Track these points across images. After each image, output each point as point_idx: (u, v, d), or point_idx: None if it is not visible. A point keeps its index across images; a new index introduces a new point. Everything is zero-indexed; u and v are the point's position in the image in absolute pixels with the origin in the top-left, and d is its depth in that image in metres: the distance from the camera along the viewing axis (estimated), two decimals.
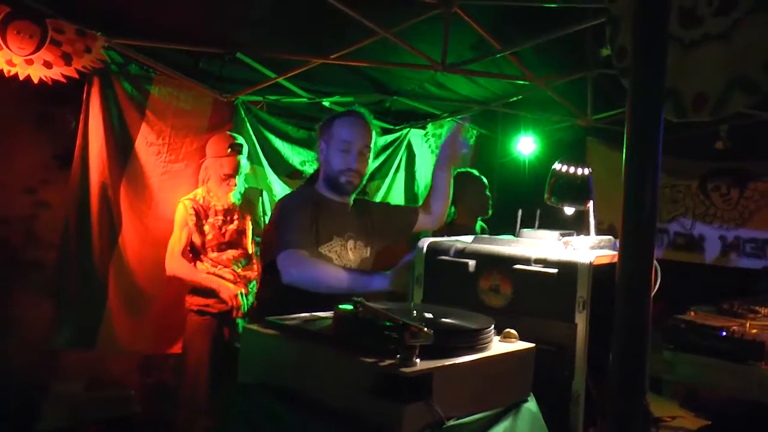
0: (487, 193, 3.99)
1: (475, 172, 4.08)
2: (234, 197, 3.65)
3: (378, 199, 5.01)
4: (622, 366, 1.35)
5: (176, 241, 3.52)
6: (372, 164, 4.89)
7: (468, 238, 2.11)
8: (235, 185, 3.63)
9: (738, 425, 2.74)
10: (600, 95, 4.27)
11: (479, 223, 4.10)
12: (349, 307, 1.57)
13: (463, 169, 4.10)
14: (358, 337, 1.44)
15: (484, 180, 4.03)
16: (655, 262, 2.01)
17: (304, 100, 4.36)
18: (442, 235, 3.79)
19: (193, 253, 3.56)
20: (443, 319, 1.58)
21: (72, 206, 3.39)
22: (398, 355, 1.34)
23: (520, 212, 2.14)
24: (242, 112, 3.96)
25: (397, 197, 5.15)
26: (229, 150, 3.62)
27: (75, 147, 3.39)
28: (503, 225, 4.24)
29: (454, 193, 3.71)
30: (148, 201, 3.63)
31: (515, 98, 4.70)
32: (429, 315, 1.58)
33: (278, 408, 1.46)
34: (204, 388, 3.51)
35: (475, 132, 5.60)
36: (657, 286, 2.04)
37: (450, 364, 1.39)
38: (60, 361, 3.77)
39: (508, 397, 1.59)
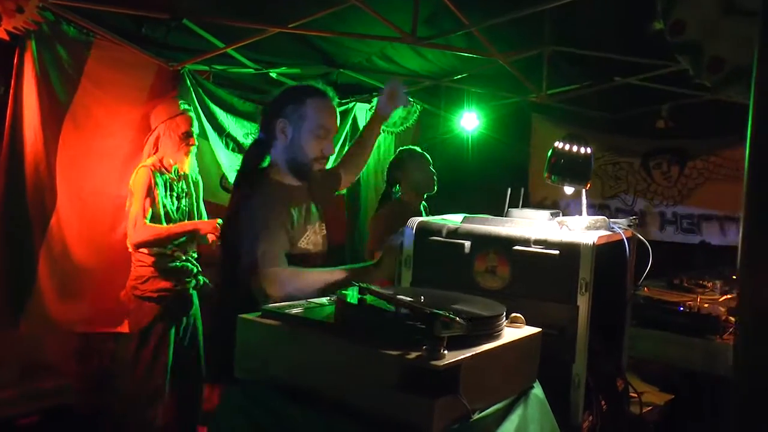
0: (432, 169, 3.90)
1: (419, 149, 3.97)
2: (191, 161, 3.43)
3: None
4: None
5: (140, 210, 3.25)
6: None
7: (457, 218, 2.04)
8: (194, 143, 3.42)
9: (700, 397, 2.83)
10: (553, 72, 4.29)
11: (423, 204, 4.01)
12: (354, 294, 1.48)
13: (406, 147, 4.06)
14: (376, 327, 1.34)
15: (428, 157, 3.95)
16: (646, 242, 2.03)
17: (251, 70, 4.18)
18: (389, 214, 3.86)
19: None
20: (455, 306, 1.51)
21: (2, 179, 3.10)
22: (424, 347, 1.26)
23: (509, 191, 2.09)
24: (188, 82, 3.73)
25: None
26: (182, 108, 3.41)
27: (5, 116, 3.09)
28: (446, 201, 4.25)
29: (398, 172, 3.90)
30: (86, 174, 3.36)
31: (461, 76, 4.68)
32: (435, 300, 1.50)
33: (287, 405, 1.36)
34: (154, 376, 3.33)
35: (418, 107, 5.55)
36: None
37: (474, 354, 1.32)
38: None
39: (520, 385, 1.54)
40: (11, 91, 3.08)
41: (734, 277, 3.82)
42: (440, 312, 1.24)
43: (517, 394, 1.52)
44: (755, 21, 1.19)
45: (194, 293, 3.46)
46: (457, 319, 1.23)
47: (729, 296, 3.28)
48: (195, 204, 3.53)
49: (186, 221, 3.40)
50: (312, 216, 2.30)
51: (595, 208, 4.94)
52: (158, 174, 3.31)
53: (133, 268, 3.34)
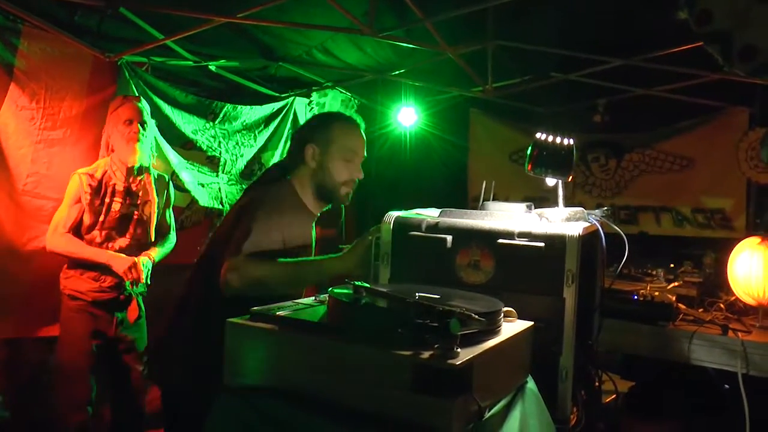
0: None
1: None
2: (141, 152, 3.20)
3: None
4: None
5: (63, 217, 3.09)
6: (263, 133, 4.71)
7: (432, 212, 1.99)
8: (138, 132, 3.18)
9: (659, 383, 2.90)
10: (497, 67, 4.32)
11: None
12: (347, 292, 1.41)
13: None
14: (382, 327, 1.28)
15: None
16: (622, 233, 2.05)
17: (190, 63, 4.00)
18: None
19: (76, 233, 3.14)
20: (451, 302, 1.46)
21: None
22: (436, 346, 1.20)
23: (484, 183, 2.06)
24: (126, 74, 3.52)
25: None
26: (123, 98, 3.24)
27: None
28: (385, 196, 4.23)
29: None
30: (19, 174, 3.12)
31: (401, 70, 4.66)
32: (435, 297, 1.46)
33: (289, 412, 1.28)
34: (83, 383, 3.15)
35: (355, 102, 5.50)
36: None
37: (483, 351, 1.28)
38: None
39: (517, 380, 1.52)
40: None
41: (672, 265, 3.97)
42: (455, 309, 1.19)
43: (515, 389, 1.49)
44: None
45: (123, 309, 3.28)
46: (474, 315, 1.19)
47: (676, 284, 3.40)
48: (158, 209, 3.34)
49: (103, 250, 3.15)
50: (309, 244, 2.31)
51: (536, 201, 5.01)
52: (92, 180, 3.12)
53: (59, 263, 3.17)
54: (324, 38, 4.05)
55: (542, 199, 5.27)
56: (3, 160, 3.08)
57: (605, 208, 2.05)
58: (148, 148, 3.27)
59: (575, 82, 4.51)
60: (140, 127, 3.20)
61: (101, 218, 3.13)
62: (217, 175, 4.37)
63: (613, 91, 4.70)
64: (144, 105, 3.31)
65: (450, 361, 1.17)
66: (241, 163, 4.57)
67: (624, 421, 2.56)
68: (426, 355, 1.19)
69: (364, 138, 2.34)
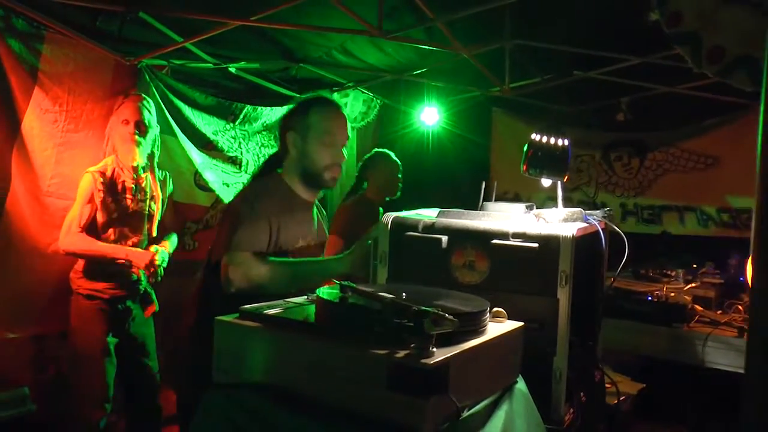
0: (399, 176, 4.18)
1: (392, 155, 4.23)
2: (139, 152, 3.24)
3: None
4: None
5: (76, 216, 3.14)
6: None
7: (432, 212, 2.00)
8: (134, 133, 3.21)
9: (670, 385, 2.87)
10: (515, 66, 4.30)
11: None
12: (334, 291, 1.43)
13: (381, 150, 4.30)
14: (362, 326, 1.30)
15: (398, 163, 4.22)
16: (622, 234, 2.03)
17: (210, 65, 4.07)
18: (352, 207, 3.92)
19: (91, 232, 3.21)
20: (437, 302, 1.47)
21: None
22: (412, 345, 1.22)
23: (483, 184, 2.07)
24: (147, 77, 3.60)
25: None
26: (124, 97, 3.28)
27: None
28: (407, 196, 4.26)
29: (368, 170, 4.18)
30: (44, 176, 3.22)
31: (422, 70, 4.67)
32: (416, 297, 1.47)
33: (270, 408, 1.31)
34: (100, 381, 3.22)
35: (378, 102, 5.52)
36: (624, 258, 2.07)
37: (461, 351, 1.29)
38: None
39: (505, 380, 1.52)
40: None
41: (695, 266, 3.91)
42: (429, 309, 1.20)
43: (502, 389, 1.50)
44: (756, 11, 1.19)
45: (137, 305, 3.35)
46: (447, 315, 1.20)
47: (693, 285, 3.35)
48: (162, 206, 3.42)
49: (121, 246, 3.21)
50: (309, 233, 2.32)
51: (555, 201, 4.98)
52: (104, 178, 3.18)
53: (77, 262, 3.23)
54: (343, 39, 4.08)
55: (565, 199, 5.26)
56: (28, 162, 3.18)
57: (607, 208, 2.03)
58: (148, 148, 3.29)
59: (597, 80, 4.46)
60: (136, 128, 3.22)
61: (114, 215, 3.19)
62: (240, 174, 4.43)
63: (636, 89, 4.64)
64: (147, 104, 3.33)
65: (423, 361, 1.18)
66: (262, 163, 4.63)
67: (633, 424, 2.54)
68: (401, 354, 1.21)
69: (346, 120, 2.32)
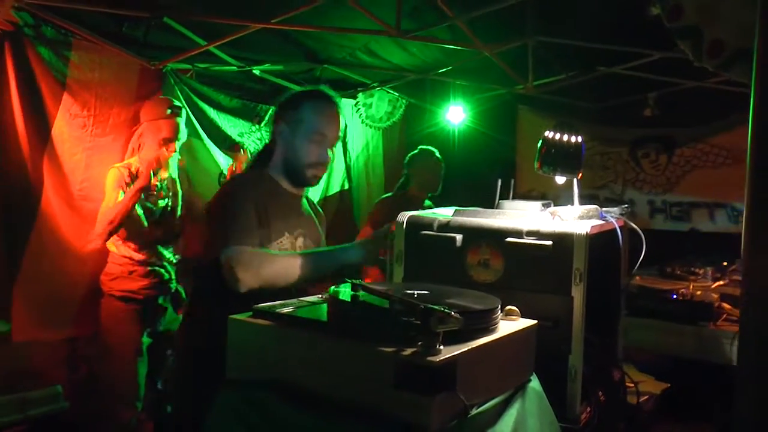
0: (439, 172, 4.27)
1: (435, 152, 4.32)
2: (171, 166, 3.36)
3: None
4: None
5: (109, 201, 3.22)
6: None
7: (448, 211, 2.01)
8: (174, 151, 3.34)
9: (697, 385, 2.82)
10: (538, 64, 4.27)
11: (426, 201, 4.30)
12: (346, 289, 1.45)
13: (425, 147, 4.38)
14: (371, 324, 1.31)
15: (440, 160, 4.31)
16: (640, 231, 2.01)
17: (234, 68, 4.13)
18: (397, 203, 3.95)
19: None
20: (449, 300, 1.48)
21: None
22: (419, 343, 1.23)
23: (499, 182, 2.06)
24: (172, 81, 3.68)
25: (339, 167, 5.11)
26: (168, 111, 3.33)
27: None
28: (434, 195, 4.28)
29: (410, 167, 4.27)
30: (74, 180, 3.31)
31: (446, 69, 4.66)
32: (428, 295, 1.48)
33: (280, 406, 1.33)
34: (131, 380, 3.28)
35: (404, 102, 5.54)
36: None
37: (470, 349, 1.29)
38: None
39: (517, 379, 1.52)
40: None
41: (725, 263, 3.84)
42: (435, 307, 1.21)
43: (514, 388, 1.49)
44: (755, 4, 1.17)
45: (168, 304, 3.40)
46: (453, 313, 1.21)
47: (721, 282, 3.29)
48: (177, 208, 3.48)
49: (131, 190, 3.24)
50: (298, 226, 2.19)
51: (584, 199, 4.93)
52: (129, 173, 3.26)
53: (107, 265, 3.29)
54: (367, 39, 4.11)
55: (592, 196, 5.21)
56: (59, 166, 3.27)
57: (625, 205, 2.01)
58: (176, 161, 3.42)
59: (622, 75, 4.41)
60: (176, 145, 3.35)
61: (141, 208, 3.27)
62: None
63: (663, 84, 4.57)
64: (182, 118, 3.42)
65: (430, 358, 1.19)
66: None
67: (656, 424, 2.50)
68: (408, 351, 1.22)
69: (339, 118, 2.19)
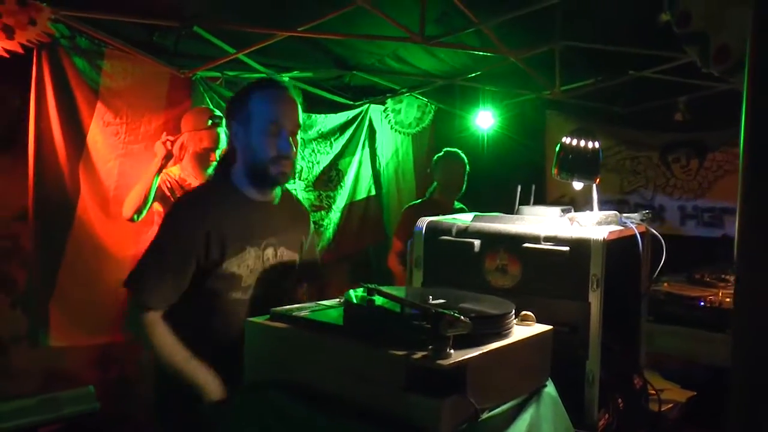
0: (461, 172, 4.19)
1: (459, 153, 4.26)
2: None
3: (348, 176, 4.97)
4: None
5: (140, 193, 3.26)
6: (339, 140, 4.87)
7: (467, 217, 2.02)
8: (215, 160, 3.38)
9: (722, 394, 2.76)
10: (566, 68, 4.25)
11: (457, 203, 4.26)
12: (361, 293, 1.47)
13: (450, 149, 4.32)
14: (383, 328, 1.33)
15: (462, 159, 4.23)
16: (659, 236, 2.00)
17: (263, 76, 4.19)
18: (423, 209, 3.96)
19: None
20: (463, 305, 1.49)
21: (31, 196, 3.14)
22: (430, 347, 1.25)
23: (519, 188, 2.07)
24: (201, 89, 3.76)
25: (366, 173, 5.14)
26: (210, 122, 3.38)
27: (22, 129, 3.13)
28: (463, 201, 4.28)
29: (434, 170, 4.22)
30: (109, 187, 3.40)
31: (475, 74, 4.66)
32: (442, 300, 1.49)
33: (295, 407, 1.36)
34: None
35: (433, 107, 5.55)
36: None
37: (481, 354, 1.31)
38: (7, 359, 3.53)
39: (531, 384, 1.53)
40: (32, 104, 3.12)
41: None
42: (445, 311, 1.23)
43: (528, 392, 1.50)
44: None
45: None
46: (462, 317, 1.22)
47: None
48: None
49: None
50: (266, 235, 2.02)
51: (613, 204, 4.88)
52: (175, 183, 3.32)
53: None
54: (395, 46, 4.13)
55: (622, 202, 5.15)
56: (94, 173, 3.37)
57: (645, 211, 2.00)
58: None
59: (651, 79, 4.35)
60: (216, 155, 3.39)
61: None
62: (294, 182, 4.54)
63: (694, 88, 4.50)
64: (222, 128, 3.44)
65: (439, 362, 1.21)
66: (317, 170, 4.75)
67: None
68: (419, 355, 1.24)
69: (295, 104, 1.98)
